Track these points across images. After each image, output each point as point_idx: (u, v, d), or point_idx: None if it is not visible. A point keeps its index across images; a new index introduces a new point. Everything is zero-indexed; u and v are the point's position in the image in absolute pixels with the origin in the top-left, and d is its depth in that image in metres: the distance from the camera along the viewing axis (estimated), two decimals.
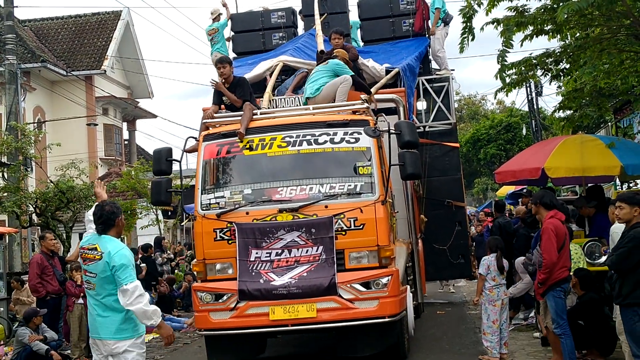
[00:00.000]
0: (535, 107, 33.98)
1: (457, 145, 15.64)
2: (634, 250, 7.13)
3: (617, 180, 14.11)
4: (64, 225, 18.13)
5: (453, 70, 15.96)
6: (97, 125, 31.93)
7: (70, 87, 30.31)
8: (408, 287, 10.62)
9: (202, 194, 9.98)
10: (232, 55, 15.05)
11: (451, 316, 14.62)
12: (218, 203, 9.85)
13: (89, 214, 6.36)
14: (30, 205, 18.57)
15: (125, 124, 37.10)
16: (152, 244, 20.14)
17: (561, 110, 14.03)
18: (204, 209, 9.86)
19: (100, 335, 6.04)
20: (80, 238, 6.68)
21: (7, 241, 17.73)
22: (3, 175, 18.42)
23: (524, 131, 41.16)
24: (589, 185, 11.69)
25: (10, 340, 12.94)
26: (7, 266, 17.02)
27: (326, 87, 10.69)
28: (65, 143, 22.48)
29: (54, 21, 34.62)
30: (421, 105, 15.03)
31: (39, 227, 19.28)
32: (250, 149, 9.98)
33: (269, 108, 10.84)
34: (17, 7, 21.53)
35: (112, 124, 34.51)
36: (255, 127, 10.12)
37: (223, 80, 10.92)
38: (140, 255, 18.47)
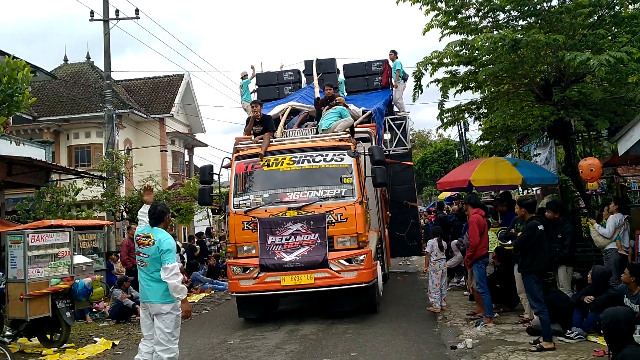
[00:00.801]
0: (464, 138, 33.89)
1: (412, 164, 15.54)
2: (530, 236, 7.06)
3: (520, 188, 13.97)
4: None
5: (409, 112, 15.98)
6: (167, 151, 31.94)
7: (149, 126, 30.27)
8: (378, 262, 10.48)
9: (234, 197, 9.86)
10: None
11: (408, 281, 14.45)
12: (245, 203, 9.72)
13: (141, 212, 6.06)
14: (121, 206, 18.90)
15: (186, 150, 36.92)
16: (204, 232, 19.99)
17: (482, 141, 13.94)
18: (235, 207, 9.74)
19: (149, 300, 5.76)
20: None
21: (105, 230, 17.64)
22: (103, 185, 18.55)
23: (457, 155, 41.03)
24: (501, 191, 11.62)
25: (108, 298, 12.80)
26: (106, 247, 16.92)
27: (334, 124, 10.61)
28: (145, 164, 22.88)
29: (138, 81, 34.49)
30: (387, 136, 15.00)
31: (127, 220, 19.26)
32: (268, 165, 9.87)
33: (281, 137, 10.71)
34: (113, 71, 21.80)
35: (178, 151, 34.35)
36: (271, 150, 10.03)
37: (255, 116, 10.68)
38: (196, 240, 18.36)
